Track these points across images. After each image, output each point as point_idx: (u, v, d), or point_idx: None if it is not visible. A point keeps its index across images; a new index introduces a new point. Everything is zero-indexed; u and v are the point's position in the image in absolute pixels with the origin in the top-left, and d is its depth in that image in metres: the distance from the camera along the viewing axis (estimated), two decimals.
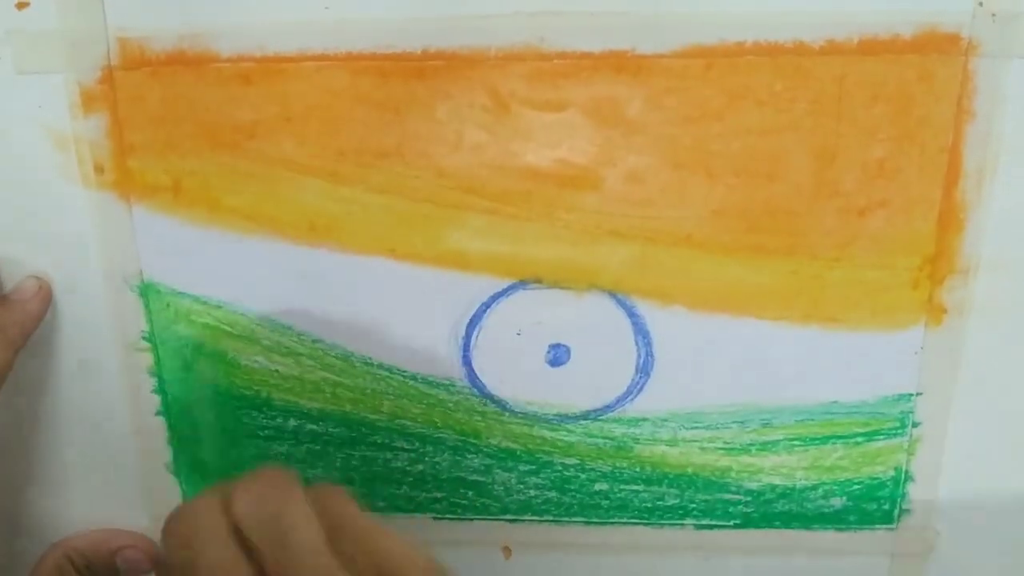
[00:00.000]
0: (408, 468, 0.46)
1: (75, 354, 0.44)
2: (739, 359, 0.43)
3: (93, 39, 0.38)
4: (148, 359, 0.44)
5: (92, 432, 0.46)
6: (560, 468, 0.46)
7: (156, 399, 0.45)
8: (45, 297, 0.42)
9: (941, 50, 0.37)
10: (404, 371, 0.44)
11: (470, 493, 0.46)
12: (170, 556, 0.31)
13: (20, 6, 0.38)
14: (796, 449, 0.44)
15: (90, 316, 0.43)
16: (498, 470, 0.46)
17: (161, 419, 0.46)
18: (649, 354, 0.43)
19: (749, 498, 0.46)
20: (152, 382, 0.45)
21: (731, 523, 0.46)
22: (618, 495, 0.46)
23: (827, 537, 0.46)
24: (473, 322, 0.43)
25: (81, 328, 0.43)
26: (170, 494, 0.47)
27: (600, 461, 0.45)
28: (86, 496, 0.47)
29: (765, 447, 0.44)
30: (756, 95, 0.38)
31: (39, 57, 0.38)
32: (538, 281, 0.42)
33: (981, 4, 0.36)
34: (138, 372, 0.44)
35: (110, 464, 0.46)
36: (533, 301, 0.42)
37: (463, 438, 0.45)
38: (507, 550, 0.48)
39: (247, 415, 0.45)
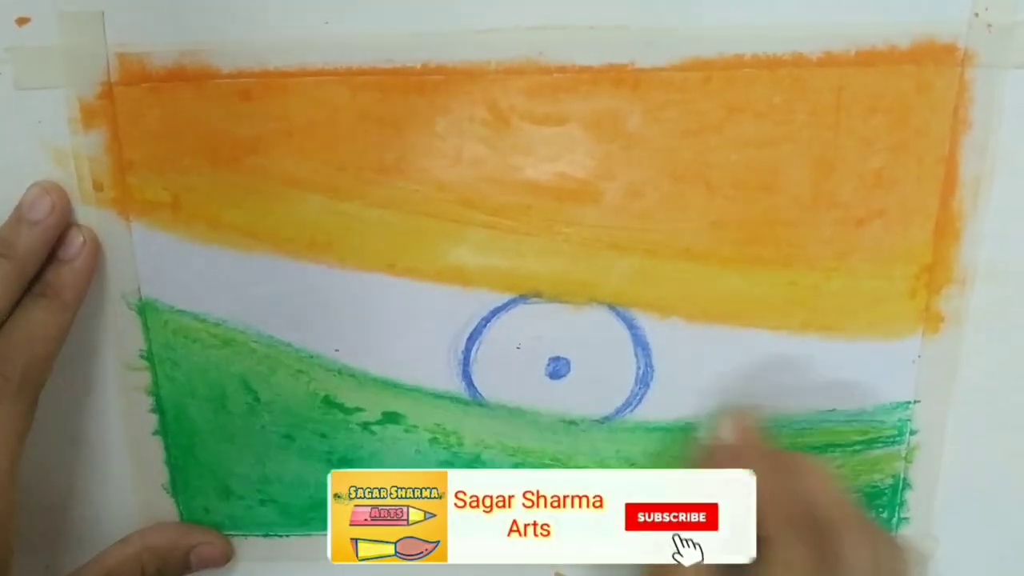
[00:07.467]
0: None
1: (71, 372, 0.43)
2: (738, 369, 0.43)
3: (93, 54, 0.38)
4: (146, 378, 0.43)
5: (88, 451, 0.45)
6: None
7: (153, 418, 0.45)
8: (92, 251, 0.40)
9: (938, 61, 0.38)
10: (404, 386, 0.44)
11: None
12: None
13: (20, 22, 0.37)
14: None
15: (87, 334, 0.42)
16: None
17: (158, 439, 0.45)
18: (649, 365, 0.43)
19: None
20: (149, 401, 0.44)
21: None
22: None
23: None
24: (473, 337, 0.43)
25: (78, 346, 0.42)
26: (167, 515, 0.46)
27: None
28: (81, 516, 0.46)
29: None
30: (754, 107, 0.39)
31: (39, 72, 0.38)
32: (538, 295, 0.42)
33: (977, 15, 0.37)
34: (135, 391, 0.44)
35: (106, 484, 0.46)
36: (533, 315, 0.42)
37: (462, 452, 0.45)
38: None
39: (246, 434, 0.45)
